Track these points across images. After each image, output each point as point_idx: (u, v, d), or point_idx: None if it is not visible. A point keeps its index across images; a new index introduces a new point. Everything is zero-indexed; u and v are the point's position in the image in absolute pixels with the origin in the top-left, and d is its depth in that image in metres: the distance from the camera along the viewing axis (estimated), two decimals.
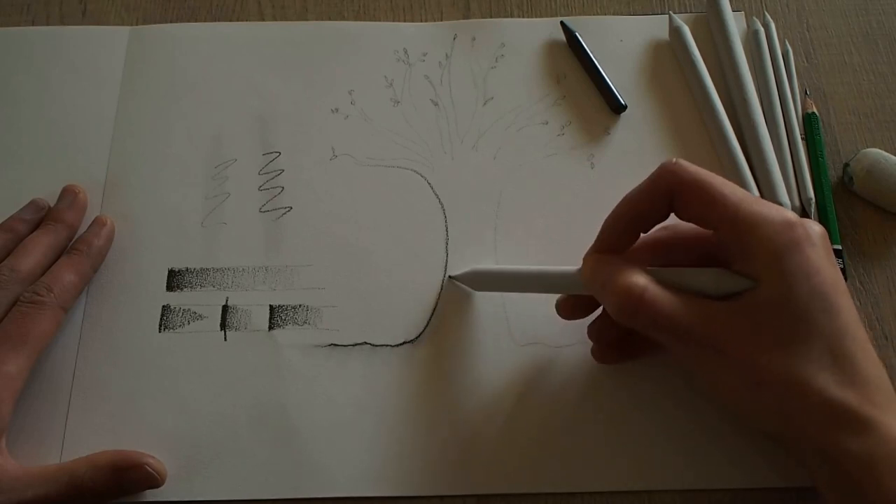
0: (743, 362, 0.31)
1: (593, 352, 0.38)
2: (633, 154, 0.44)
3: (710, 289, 0.32)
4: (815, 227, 0.32)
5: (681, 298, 0.32)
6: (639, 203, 0.34)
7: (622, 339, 0.37)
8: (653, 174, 0.34)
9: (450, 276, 0.41)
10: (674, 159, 0.33)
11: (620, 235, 0.35)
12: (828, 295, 0.30)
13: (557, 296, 0.38)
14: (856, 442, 0.29)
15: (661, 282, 0.32)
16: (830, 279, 0.31)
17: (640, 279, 0.32)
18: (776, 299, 0.30)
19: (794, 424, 0.30)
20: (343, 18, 0.49)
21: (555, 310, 0.38)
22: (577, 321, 0.38)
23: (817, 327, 0.30)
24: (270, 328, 0.40)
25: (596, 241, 0.35)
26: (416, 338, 0.40)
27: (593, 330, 0.38)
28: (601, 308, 0.38)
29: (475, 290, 0.40)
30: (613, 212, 0.35)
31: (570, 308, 0.38)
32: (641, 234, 0.35)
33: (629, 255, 0.35)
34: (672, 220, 0.35)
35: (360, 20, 0.49)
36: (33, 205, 0.42)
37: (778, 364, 0.30)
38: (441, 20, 0.49)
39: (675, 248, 0.36)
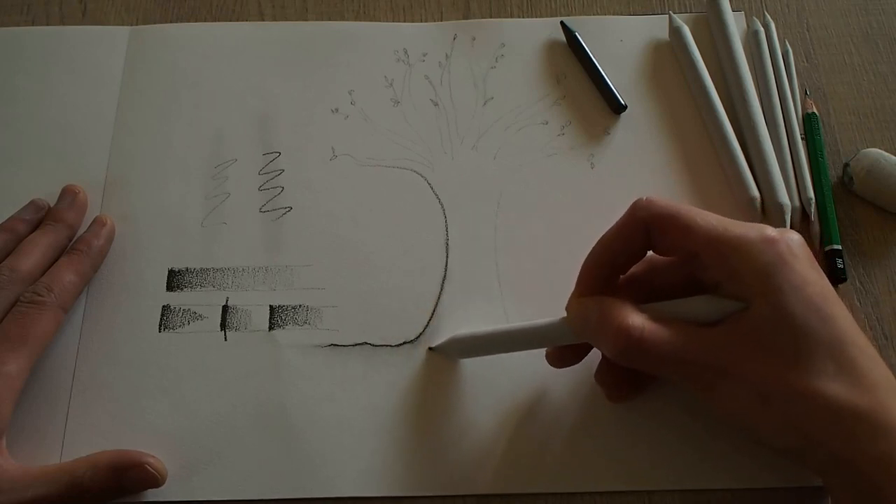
0: (749, 381, 0.30)
1: (607, 396, 0.37)
2: (633, 154, 0.44)
3: (701, 316, 0.32)
4: (793, 237, 0.32)
5: (677, 330, 0.31)
6: (615, 242, 0.34)
7: (629, 375, 0.37)
8: (625, 213, 0.34)
9: (430, 348, 0.39)
10: (644, 197, 0.33)
11: (600, 278, 0.34)
12: (820, 305, 0.30)
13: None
14: (872, 446, 0.29)
15: (653, 317, 0.32)
16: (820, 289, 0.31)
17: (636, 319, 0.32)
18: (771, 316, 0.30)
19: (808, 437, 0.30)
20: (343, 18, 0.49)
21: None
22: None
23: (816, 338, 0.30)
24: (270, 328, 0.40)
25: (576, 287, 0.35)
26: (416, 338, 0.40)
27: (600, 376, 0.37)
28: (597, 352, 0.37)
29: (459, 357, 0.39)
30: (590, 254, 0.35)
31: (561, 356, 0.37)
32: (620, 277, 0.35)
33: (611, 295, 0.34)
34: (647, 256, 0.35)
35: (360, 20, 0.49)
36: (33, 205, 0.42)
37: (784, 379, 0.30)
38: (441, 20, 0.49)
39: (654, 280, 0.35)
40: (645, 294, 0.34)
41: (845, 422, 0.29)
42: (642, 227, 0.33)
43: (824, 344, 0.30)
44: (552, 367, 0.38)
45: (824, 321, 0.30)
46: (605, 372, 0.37)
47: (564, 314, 0.35)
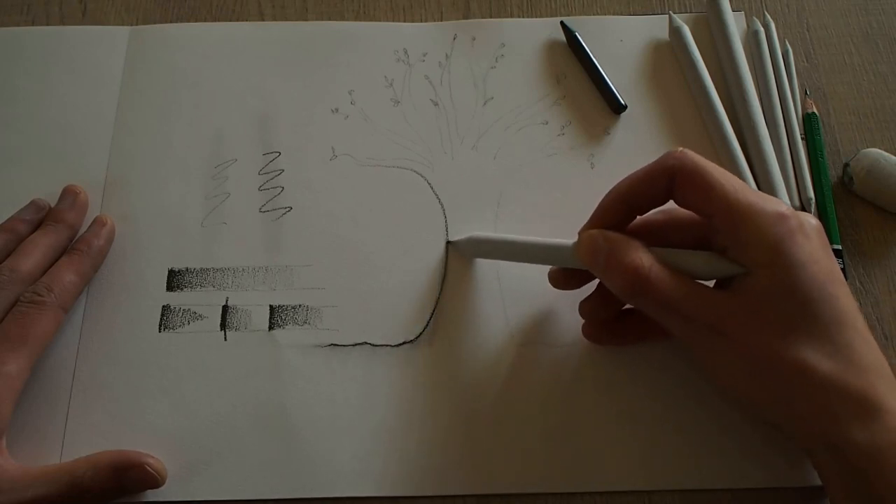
0: (746, 346, 0.31)
1: (584, 329, 0.38)
2: (633, 154, 0.44)
3: (701, 271, 0.33)
4: (810, 220, 0.32)
5: (684, 280, 0.32)
6: (640, 183, 0.34)
7: (614, 320, 0.38)
8: (657, 159, 0.34)
9: (448, 241, 0.41)
10: (680, 148, 0.34)
11: (616, 215, 0.35)
12: (824, 284, 0.31)
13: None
14: (860, 431, 0.29)
15: (660, 261, 0.32)
16: (826, 269, 0.31)
17: (645, 258, 0.32)
18: (774, 289, 0.31)
19: (797, 411, 0.31)
20: (343, 18, 0.49)
21: (552, 292, 0.38)
22: (576, 315, 0.38)
23: (816, 315, 0.30)
24: (270, 328, 0.40)
25: (592, 218, 0.36)
26: (416, 338, 0.40)
27: (586, 307, 0.38)
28: (595, 284, 0.38)
29: (472, 256, 0.41)
30: (612, 191, 0.35)
31: (563, 279, 0.38)
32: (637, 217, 0.35)
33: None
34: (669, 205, 0.35)
35: (360, 20, 0.49)
36: (34, 205, 0.42)
37: (781, 349, 0.30)
38: (441, 20, 0.49)
39: (670, 232, 0.36)
40: (658, 245, 0.34)
41: (834, 400, 0.30)
42: (668, 176, 0.33)
43: (823, 322, 0.30)
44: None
45: (826, 300, 0.30)
46: (596, 306, 0.37)
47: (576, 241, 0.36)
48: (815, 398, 0.30)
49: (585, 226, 0.36)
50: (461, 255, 0.41)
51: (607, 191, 0.35)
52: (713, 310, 0.31)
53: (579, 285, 0.38)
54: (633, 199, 0.35)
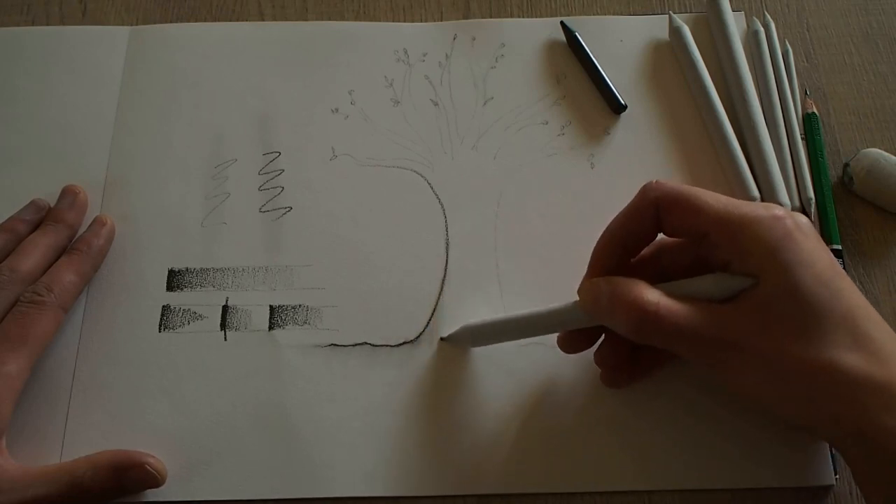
0: (765, 356, 0.31)
1: (603, 378, 0.38)
2: (633, 154, 0.44)
3: (713, 293, 0.32)
4: (801, 218, 0.32)
5: (692, 306, 0.32)
6: (626, 223, 0.34)
7: (629, 360, 0.37)
8: (636, 195, 0.34)
9: (441, 338, 0.40)
10: (653, 180, 0.34)
11: (611, 260, 0.35)
12: (830, 279, 0.31)
13: None
14: (892, 419, 0.29)
15: (666, 293, 0.32)
16: (828, 264, 0.31)
17: (650, 294, 0.32)
18: (782, 292, 0.31)
19: (826, 409, 0.30)
20: (343, 18, 0.49)
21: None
22: None
23: (828, 312, 0.30)
24: (270, 328, 0.40)
25: (588, 270, 0.36)
26: (416, 338, 0.40)
27: (600, 356, 0.37)
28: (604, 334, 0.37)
29: (471, 346, 0.39)
30: (601, 237, 0.35)
31: (573, 341, 0.37)
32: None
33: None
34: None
35: (360, 20, 0.49)
36: (33, 205, 0.42)
37: (801, 352, 0.30)
38: (441, 20, 0.49)
39: (662, 261, 0.36)
40: (654, 275, 0.34)
41: (862, 392, 0.29)
42: (653, 208, 0.33)
43: (837, 317, 0.30)
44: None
45: (834, 295, 0.31)
46: (608, 353, 0.37)
47: (574, 300, 0.35)
48: (843, 393, 0.30)
49: (583, 279, 0.36)
50: (458, 347, 0.39)
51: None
52: (726, 326, 0.31)
53: (591, 344, 0.37)
54: (623, 241, 0.35)
